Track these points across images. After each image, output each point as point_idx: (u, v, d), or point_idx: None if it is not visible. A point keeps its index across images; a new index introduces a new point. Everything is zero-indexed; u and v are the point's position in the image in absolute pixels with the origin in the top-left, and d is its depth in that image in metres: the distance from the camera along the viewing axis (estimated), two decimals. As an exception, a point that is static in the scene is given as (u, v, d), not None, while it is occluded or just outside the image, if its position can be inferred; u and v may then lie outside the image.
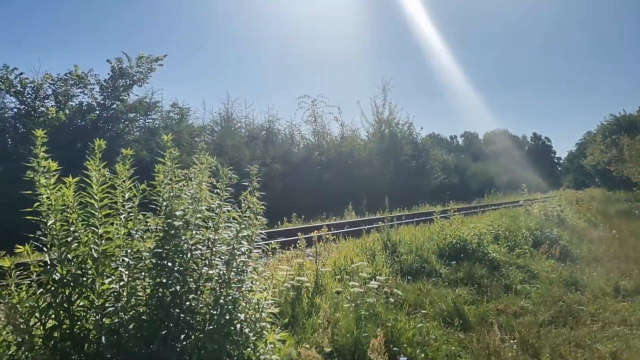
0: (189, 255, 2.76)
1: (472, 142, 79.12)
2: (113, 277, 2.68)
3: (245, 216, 3.20)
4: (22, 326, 2.61)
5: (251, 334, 2.96)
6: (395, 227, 8.63)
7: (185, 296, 2.80)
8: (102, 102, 16.94)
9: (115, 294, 2.70)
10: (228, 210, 3.11)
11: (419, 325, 4.43)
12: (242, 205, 3.09)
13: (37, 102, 16.00)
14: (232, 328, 2.89)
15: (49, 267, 2.69)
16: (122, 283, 2.67)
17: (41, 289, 2.71)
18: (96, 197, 2.69)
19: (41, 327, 2.62)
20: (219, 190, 3.16)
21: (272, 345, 3.10)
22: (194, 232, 2.82)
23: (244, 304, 3.11)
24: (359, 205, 20.13)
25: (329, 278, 5.62)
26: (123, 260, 2.69)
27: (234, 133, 21.12)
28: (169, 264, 2.74)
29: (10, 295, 2.64)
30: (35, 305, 2.58)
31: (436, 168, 33.38)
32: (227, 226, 3.08)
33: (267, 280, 3.29)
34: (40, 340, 2.63)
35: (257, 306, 3.05)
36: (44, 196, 2.70)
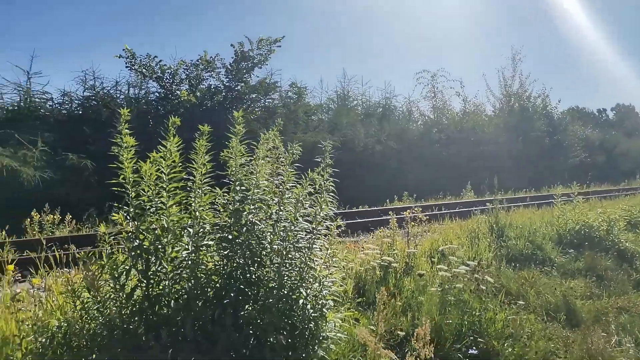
0: (244, 230, 2.81)
1: (626, 115, 68.56)
2: (181, 247, 2.85)
3: (313, 193, 3.16)
4: (109, 285, 2.94)
5: (312, 311, 2.94)
6: (506, 209, 7.91)
7: (247, 269, 2.87)
8: (227, 84, 18.19)
9: (183, 262, 2.87)
10: (294, 186, 3.09)
11: (512, 316, 4.00)
12: (303, 182, 3.04)
13: (174, 86, 17.77)
14: (292, 303, 2.90)
15: (130, 234, 2.96)
16: (185, 253, 2.83)
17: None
18: (164, 171, 2.86)
19: (122, 289, 2.89)
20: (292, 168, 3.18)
21: (333, 324, 3.05)
22: (251, 207, 2.86)
23: (311, 280, 3.10)
24: (481, 185, 18.92)
25: (421, 259, 5.37)
26: (188, 231, 2.84)
27: (350, 111, 21.18)
28: (229, 237, 2.83)
29: (101, 258, 2.99)
30: (115, 267, 2.86)
31: (575, 145, 29.81)
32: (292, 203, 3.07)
33: (331, 258, 3.22)
34: (124, 299, 2.93)
35: (319, 284, 3.02)
36: (126, 170, 2.95)
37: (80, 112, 15.67)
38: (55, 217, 8.73)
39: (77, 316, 2.91)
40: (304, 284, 3.01)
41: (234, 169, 2.97)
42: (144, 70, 17.21)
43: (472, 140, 24.22)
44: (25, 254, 5.81)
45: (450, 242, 6.16)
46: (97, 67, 21.72)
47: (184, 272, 2.84)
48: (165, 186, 2.86)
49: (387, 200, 13.83)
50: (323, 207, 3.21)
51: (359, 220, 9.20)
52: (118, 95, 16.84)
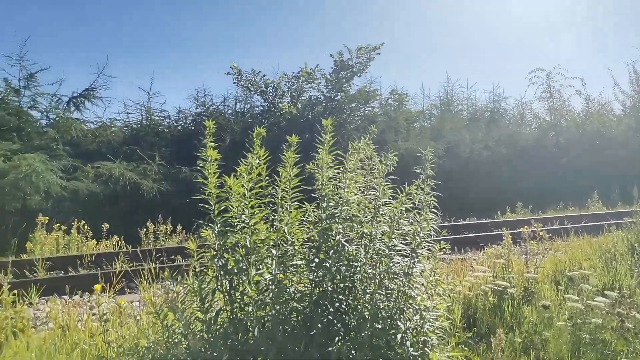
0: (331, 252, 2.47)
1: None
2: (263, 269, 2.61)
3: (412, 209, 2.75)
4: (195, 307, 2.79)
5: (411, 349, 2.51)
6: (650, 224, 6.63)
7: (336, 296, 2.54)
8: (327, 94, 18.28)
9: (268, 286, 2.62)
10: (389, 202, 2.71)
11: (672, 368, 3.16)
12: (399, 197, 2.63)
13: (277, 99, 18.31)
14: (389, 338, 2.50)
15: (215, 253, 2.80)
16: (269, 276, 2.57)
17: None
18: (245, 186, 2.64)
19: (207, 311, 2.72)
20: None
21: (439, 366, 2.58)
22: (339, 226, 2.52)
23: (411, 311, 2.68)
24: (610, 194, 16.68)
25: (543, 285, 4.61)
26: (271, 252, 2.59)
27: (454, 116, 20.05)
28: (316, 260, 2.52)
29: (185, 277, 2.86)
30: (201, 288, 2.69)
31: None
32: (386, 220, 2.68)
33: (434, 286, 2.75)
34: (210, 323, 2.76)
35: (420, 316, 2.58)
36: (210, 184, 2.81)
37: (193, 128, 16.76)
38: (167, 227, 9.26)
39: (165, 337, 2.81)
40: (402, 316, 2.60)
41: (320, 183, 2.67)
42: (249, 85, 17.98)
43: (597, 143, 21.55)
44: (134, 265, 6.11)
45: (578, 263, 5.27)
46: (207, 84, 23.28)
47: (267, 296, 2.59)
48: (247, 202, 2.64)
49: (498, 212, 12.68)
50: (423, 225, 2.78)
51: (466, 235, 8.44)
52: (226, 110, 17.79)
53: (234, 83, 17.89)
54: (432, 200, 2.85)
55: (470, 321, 4.03)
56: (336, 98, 18.35)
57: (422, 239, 2.70)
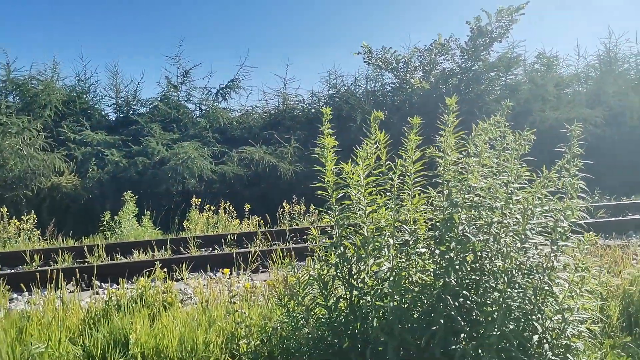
0: (452, 244, 2.26)
1: None
2: (383, 258, 2.51)
3: (556, 193, 2.40)
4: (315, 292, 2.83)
5: (550, 353, 2.21)
6: None
7: (459, 291, 2.34)
8: (462, 65, 17.17)
9: (385, 275, 2.52)
10: (524, 187, 2.39)
11: None
12: (536, 182, 2.29)
13: (408, 75, 17.77)
14: (522, 341, 2.23)
15: (335, 241, 2.78)
16: (387, 266, 2.46)
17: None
18: (361, 173, 2.55)
19: (327, 298, 2.74)
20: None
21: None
22: (462, 215, 2.29)
23: (550, 310, 2.35)
24: None
25: None
26: (388, 241, 2.47)
27: (618, 77, 17.18)
28: (437, 251, 2.34)
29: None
30: (318, 275, 2.71)
31: None
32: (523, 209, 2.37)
33: (580, 283, 2.35)
34: (330, 309, 2.77)
35: (562, 317, 2.24)
36: (327, 172, 2.79)
37: (325, 110, 17.18)
38: (301, 207, 9.69)
39: (289, 321, 2.91)
40: (539, 316, 2.29)
41: (442, 168, 2.46)
42: (379, 62, 17.73)
43: None
44: (270, 244, 6.49)
45: None
46: (338, 66, 23.68)
47: (385, 287, 2.50)
48: (363, 190, 2.56)
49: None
50: (567, 213, 2.40)
51: (629, 218, 7.21)
52: (357, 90, 17.83)
53: (365, 62, 17.79)
54: (580, 183, 2.44)
55: (631, 320, 3.44)
56: (473, 68, 17.13)
57: (565, 230, 2.32)
